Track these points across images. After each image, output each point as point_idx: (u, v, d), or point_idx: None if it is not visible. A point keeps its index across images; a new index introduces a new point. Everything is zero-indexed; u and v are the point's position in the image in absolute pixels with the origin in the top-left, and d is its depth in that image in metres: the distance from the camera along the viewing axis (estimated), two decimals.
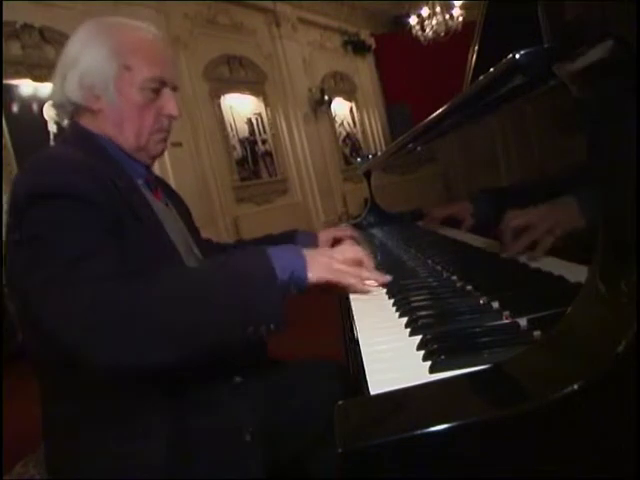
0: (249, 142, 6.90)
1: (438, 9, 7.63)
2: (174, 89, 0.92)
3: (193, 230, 1.08)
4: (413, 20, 7.85)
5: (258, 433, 0.86)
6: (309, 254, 0.78)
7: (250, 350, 0.90)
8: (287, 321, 0.69)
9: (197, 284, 0.71)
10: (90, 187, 0.74)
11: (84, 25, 0.89)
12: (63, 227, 0.71)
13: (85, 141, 0.88)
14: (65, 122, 0.96)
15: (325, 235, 1.27)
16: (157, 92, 0.88)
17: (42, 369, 0.85)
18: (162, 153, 0.94)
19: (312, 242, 1.23)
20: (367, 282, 0.84)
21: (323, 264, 0.78)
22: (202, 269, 0.84)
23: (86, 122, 0.89)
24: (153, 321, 0.66)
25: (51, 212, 0.71)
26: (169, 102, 0.89)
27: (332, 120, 8.54)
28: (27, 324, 0.82)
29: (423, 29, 7.84)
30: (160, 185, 1.03)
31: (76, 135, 0.90)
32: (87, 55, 0.83)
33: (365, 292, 0.82)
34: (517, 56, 0.49)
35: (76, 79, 0.84)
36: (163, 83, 0.89)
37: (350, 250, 0.87)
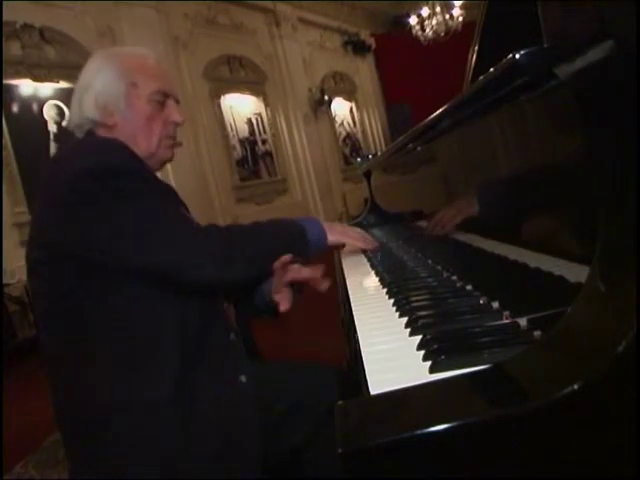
0: (249, 142, 6.91)
1: (438, 9, 7.63)
2: (177, 102, 1.05)
3: None
4: (413, 20, 7.85)
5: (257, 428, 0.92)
6: (327, 224, 1.09)
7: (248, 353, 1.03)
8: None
9: (264, 231, 0.98)
10: (141, 162, 0.92)
11: (93, 57, 1.02)
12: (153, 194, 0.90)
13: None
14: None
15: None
16: (162, 104, 1.00)
17: (57, 352, 0.91)
18: (171, 159, 1.05)
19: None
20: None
21: (338, 231, 1.12)
22: (265, 224, 1.03)
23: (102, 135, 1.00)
24: (242, 250, 0.92)
25: (132, 185, 0.86)
26: (173, 111, 1.02)
27: (332, 120, 8.54)
28: (50, 313, 0.89)
29: (423, 29, 7.84)
30: None
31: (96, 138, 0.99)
32: (99, 79, 0.96)
33: (368, 248, 1.25)
34: (517, 56, 0.48)
35: (92, 100, 0.96)
36: (166, 95, 1.01)
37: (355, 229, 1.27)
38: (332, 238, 1.07)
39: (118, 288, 0.86)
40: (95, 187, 0.83)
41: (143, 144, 0.98)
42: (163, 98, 1.00)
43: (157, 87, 0.99)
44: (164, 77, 1.02)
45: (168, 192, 1.02)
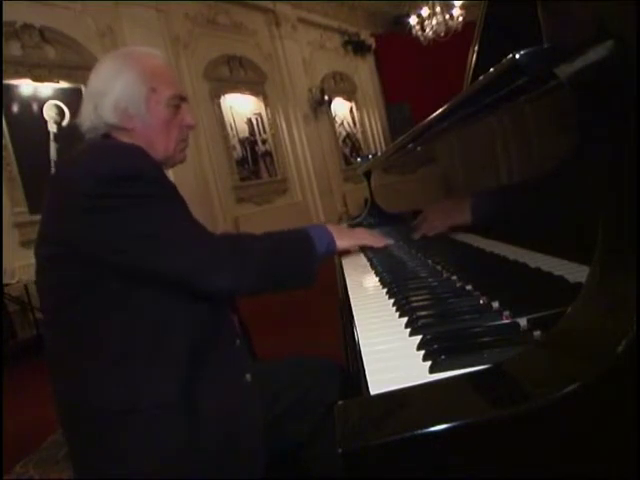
0: (249, 142, 6.91)
1: (438, 9, 7.64)
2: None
3: None
4: (413, 20, 7.85)
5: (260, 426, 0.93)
6: (335, 229, 1.10)
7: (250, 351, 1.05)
8: (317, 277, 1.00)
9: (275, 244, 0.98)
10: (159, 169, 0.93)
11: (105, 60, 1.01)
12: (170, 200, 0.91)
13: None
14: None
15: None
16: (178, 107, 1.02)
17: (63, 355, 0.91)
18: (184, 160, 1.07)
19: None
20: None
21: (346, 234, 1.15)
22: (272, 236, 1.03)
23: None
24: (255, 262, 0.93)
25: (148, 189, 0.87)
26: (187, 115, 1.05)
27: (332, 120, 8.54)
28: (60, 314, 0.89)
29: (423, 29, 7.84)
30: None
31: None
32: (118, 84, 0.96)
33: (380, 245, 1.29)
34: (517, 56, 0.48)
35: (111, 104, 0.96)
36: (182, 99, 1.03)
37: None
38: (343, 243, 1.09)
39: (127, 292, 0.86)
40: (114, 190, 0.83)
41: (161, 148, 1.00)
42: (179, 102, 1.02)
43: (174, 92, 1.01)
44: (176, 80, 1.04)
45: (181, 198, 1.02)
